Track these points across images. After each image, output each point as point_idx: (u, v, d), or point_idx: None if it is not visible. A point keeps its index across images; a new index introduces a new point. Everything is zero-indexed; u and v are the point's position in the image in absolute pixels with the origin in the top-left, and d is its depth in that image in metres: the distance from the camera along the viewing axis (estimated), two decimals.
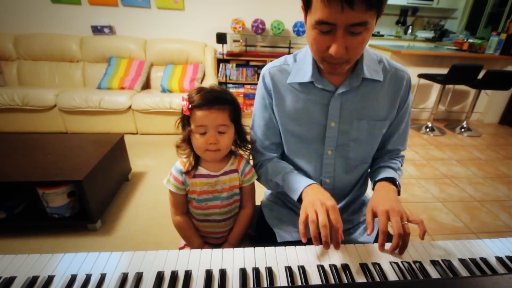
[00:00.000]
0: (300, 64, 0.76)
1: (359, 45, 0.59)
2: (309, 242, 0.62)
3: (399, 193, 0.75)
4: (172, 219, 0.86)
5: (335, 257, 0.60)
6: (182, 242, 0.93)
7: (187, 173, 0.79)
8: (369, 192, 0.93)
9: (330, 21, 0.55)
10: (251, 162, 0.88)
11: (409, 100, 0.80)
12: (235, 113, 0.77)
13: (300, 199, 0.72)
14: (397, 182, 0.76)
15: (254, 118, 0.86)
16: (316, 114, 0.76)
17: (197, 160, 0.80)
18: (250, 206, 0.89)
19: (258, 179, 0.88)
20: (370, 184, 0.90)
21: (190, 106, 0.71)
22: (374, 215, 0.66)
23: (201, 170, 0.80)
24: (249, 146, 0.85)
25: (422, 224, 0.62)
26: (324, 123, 0.76)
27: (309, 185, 0.73)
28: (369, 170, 0.90)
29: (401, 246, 0.60)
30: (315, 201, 0.64)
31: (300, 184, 0.74)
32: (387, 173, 0.79)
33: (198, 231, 0.88)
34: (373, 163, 0.89)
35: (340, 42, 0.57)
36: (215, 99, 0.72)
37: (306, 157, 0.82)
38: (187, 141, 0.78)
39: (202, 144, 0.74)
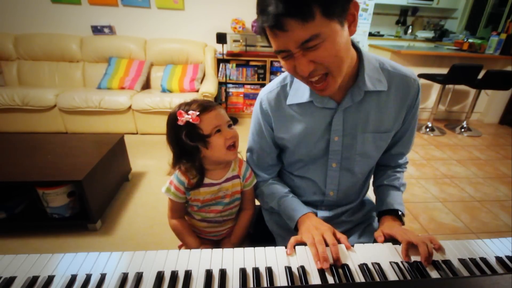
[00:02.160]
0: (298, 83, 0.71)
1: (329, 56, 0.54)
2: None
3: (403, 223, 0.76)
4: (168, 221, 0.86)
5: None
6: None
7: (192, 188, 0.78)
8: (369, 193, 0.93)
9: (281, 48, 0.54)
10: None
11: (417, 105, 0.74)
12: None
13: (296, 227, 0.75)
14: (400, 213, 0.76)
15: (251, 141, 0.85)
16: (320, 132, 0.73)
17: (202, 174, 0.78)
18: (251, 207, 0.90)
19: (256, 198, 0.90)
20: (370, 185, 0.90)
21: (197, 113, 0.71)
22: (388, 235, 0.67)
23: (204, 180, 0.80)
24: None
25: (434, 241, 0.63)
26: (327, 138, 0.74)
27: (304, 214, 0.74)
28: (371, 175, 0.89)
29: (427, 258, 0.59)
30: (310, 227, 0.67)
31: (295, 213, 0.75)
32: (391, 199, 0.79)
33: (197, 229, 0.88)
34: (376, 175, 0.88)
35: (301, 62, 0.55)
36: (210, 102, 0.76)
37: (310, 172, 0.81)
38: (190, 159, 0.76)
39: (222, 143, 0.74)
